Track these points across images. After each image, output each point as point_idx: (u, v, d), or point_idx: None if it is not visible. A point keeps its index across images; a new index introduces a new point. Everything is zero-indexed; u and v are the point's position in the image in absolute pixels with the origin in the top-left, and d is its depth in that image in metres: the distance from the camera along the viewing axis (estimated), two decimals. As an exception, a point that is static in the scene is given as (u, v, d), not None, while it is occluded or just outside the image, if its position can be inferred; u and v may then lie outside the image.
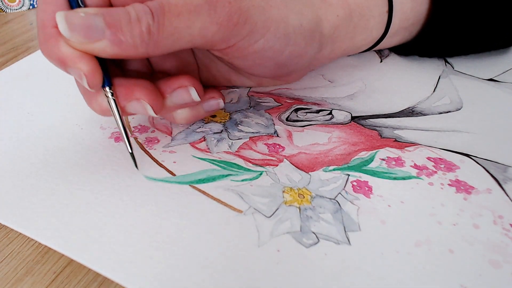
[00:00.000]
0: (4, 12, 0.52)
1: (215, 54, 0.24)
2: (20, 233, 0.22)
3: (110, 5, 0.20)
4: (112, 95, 0.21)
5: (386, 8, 0.29)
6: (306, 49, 0.26)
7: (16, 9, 0.52)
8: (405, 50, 0.34)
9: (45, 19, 0.20)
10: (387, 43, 0.33)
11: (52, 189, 0.24)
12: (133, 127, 0.28)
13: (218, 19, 0.20)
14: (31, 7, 0.53)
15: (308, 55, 0.26)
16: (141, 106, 0.22)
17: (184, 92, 0.23)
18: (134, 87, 0.21)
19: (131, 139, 0.27)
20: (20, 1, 0.51)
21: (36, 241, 0.21)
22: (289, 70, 0.28)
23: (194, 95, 0.23)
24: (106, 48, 0.19)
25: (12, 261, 0.20)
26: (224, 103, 0.26)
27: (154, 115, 0.22)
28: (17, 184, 0.24)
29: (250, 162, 0.25)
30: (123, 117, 0.24)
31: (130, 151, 0.23)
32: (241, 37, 0.22)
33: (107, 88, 0.21)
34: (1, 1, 0.51)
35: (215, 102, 0.25)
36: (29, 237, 0.22)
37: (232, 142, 0.26)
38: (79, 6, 0.19)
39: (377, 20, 0.29)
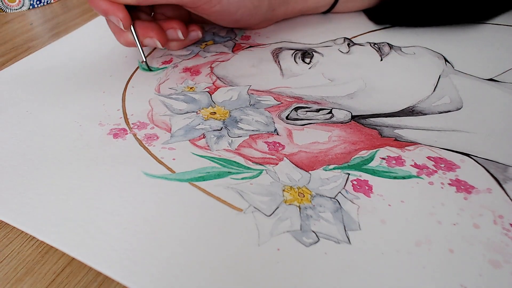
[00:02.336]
0: (4, 12, 0.51)
1: (189, 10, 0.33)
2: (20, 233, 0.22)
3: None
4: (135, 32, 0.33)
5: None
6: (256, 11, 0.35)
7: (16, 9, 0.52)
8: (377, 17, 0.39)
9: None
10: (345, 7, 0.40)
11: (50, 186, 0.23)
12: (132, 123, 0.28)
13: None
14: (31, 7, 0.52)
15: (259, 15, 0.36)
16: (152, 41, 0.33)
17: (173, 32, 0.34)
18: (148, 28, 0.33)
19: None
20: (20, 1, 0.51)
21: (36, 241, 0.21)
22: (246, 24, 0.37)
23: (180, 34, 0.35)
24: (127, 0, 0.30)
25: (12, 261, 0.20)
26: (203, 35, 0.38)
27: (161, 47, 0.34)
28: (16, 180, 0.24)
29: (250, 160, 0.24)
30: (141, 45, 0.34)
31: (144, 59, 0.35)
32: (203, 2, 0.31)
33: (132, 28, 0.33)
34: (1, 1, 0.50)
35: (195, 33, 0.37)
36: (29, 238, 0.21)
37: (232, 140, 0.26)
38: None
39: None
